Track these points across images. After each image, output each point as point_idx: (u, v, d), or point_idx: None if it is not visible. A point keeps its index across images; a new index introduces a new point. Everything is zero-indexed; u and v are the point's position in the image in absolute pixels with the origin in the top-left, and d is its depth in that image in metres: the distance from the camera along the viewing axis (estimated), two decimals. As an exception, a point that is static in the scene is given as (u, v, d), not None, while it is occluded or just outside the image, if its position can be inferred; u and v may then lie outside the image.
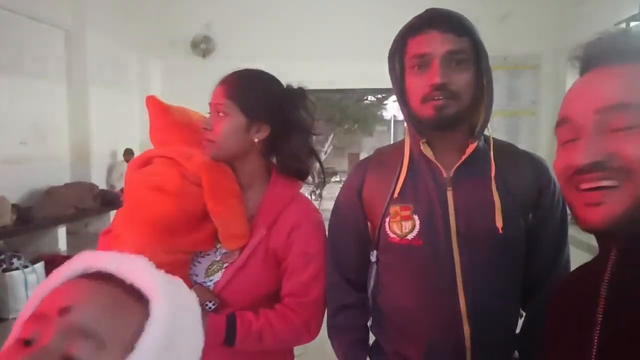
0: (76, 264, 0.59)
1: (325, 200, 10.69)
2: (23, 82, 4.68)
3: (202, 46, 6.16)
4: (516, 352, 1.12)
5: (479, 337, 1.02)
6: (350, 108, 18.49)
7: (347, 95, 16.53)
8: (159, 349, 0.53)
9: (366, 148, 24.34)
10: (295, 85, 1.24)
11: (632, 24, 4.38)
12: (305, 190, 1.32)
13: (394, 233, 1.07)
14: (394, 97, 1.11)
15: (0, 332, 3.43)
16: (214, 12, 6.11)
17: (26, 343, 0.51)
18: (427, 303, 1.05)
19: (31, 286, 3.67)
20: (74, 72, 5.43)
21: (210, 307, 1.15)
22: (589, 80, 0.64)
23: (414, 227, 1.05)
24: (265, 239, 1.17)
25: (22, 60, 4.67)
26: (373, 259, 1.16)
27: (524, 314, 1.13)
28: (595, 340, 0.61)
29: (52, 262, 3.91)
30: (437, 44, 1.00)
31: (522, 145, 1.15)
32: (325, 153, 18.05)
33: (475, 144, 1.05)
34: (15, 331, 0.53)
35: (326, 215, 1.23)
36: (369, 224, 1.17)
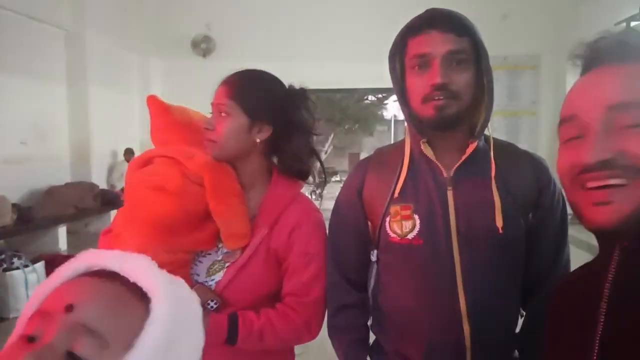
0: (79, 262, 0.60)
1: (326, 199, 10.69)
2: (23, 82, 4.68)
3: (203, 46, 6.16)
4: (516, 351, 1.12)
5: (479, 337, 1.02)
6: (351, 108, 18.51)
7: (348, 95, 16.53)
8: (158, 347, 0.54)
9: (366, 148, 24.34)
10: (296, 86, 1.24)
11: (632, 23, 4.38)
12: (305, 190, 1.32)
13: (394, 233, 1.08)
14: (394, 97, 1.11)
15: (0, 331, 3.43)
16: (214, 12, 6.11)
17: (30, 339, 0.51)
18: (427, 302, 1.05)
19: (32, 286, 3.67)
20: (74, 71, 5.43)
21: (212, 307, 1.15)
22: (595, 78, 0.63)
23: (414, 226, 1.06)
24: (266, 238, 1.17)
25: (22, 60, 4.67)
26: (373, 258, 1.16)
27: (524, 313, 1.13)
28: (597, 340, 0.61)
29: (53, 261, 3.92)
30: (437, 44, 1.00)
31: (523, 145, 1.15)
32: (326, 153, 18.06)
33: (475, 144, 1.05)
34: (19, 328, 0.54)
35: (327, 215, 1.23)
36: (369, 223, 1.17)
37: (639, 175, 0.57)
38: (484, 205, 1.03)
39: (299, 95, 1.22)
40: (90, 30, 5.50)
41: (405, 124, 1.13)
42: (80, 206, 4.92)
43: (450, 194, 1.05)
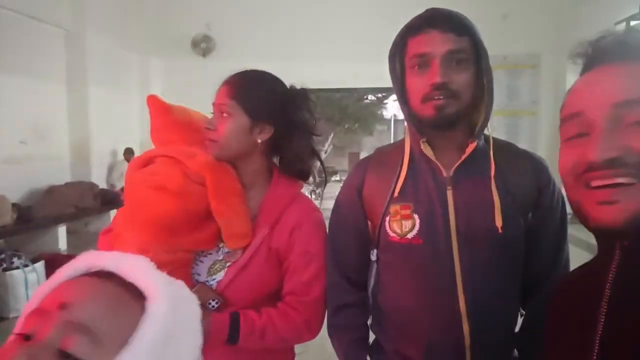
0: (79, 263, 0.60)
1: (326, 199, 10.70)
2: (23, 82, 4.68)
3: (203, 45, 6.16)
4: (515, 351, 1.12)
5: (479, 336, 1.03)
6: (351, 107, 18.48)
7: (347, 94, 16.51)
8: (155, 345, 0.54)
9: (366, 147, 24.34)
10: (297, 86, 1.24)
11: (632, 23, 4.38)
12: (305, 190, 1.33)
13: (394, 232, 1.08)
14: (394, 97, 1.12)
15: (0, 330, 3.43)
16: (214, 11, 6.11)
17: (26, 338, 0.51)
18: (427, 302, 1.05)
19: (31, 285, 3.67)
20: (74, 71, 5.43)
21: (213, 306, 1.15)
22: (599, 76, 0.63)
23: (414, 226, 1.06)
24: (267, 238, 1.18)
25: (22, 59, 4.66)
26: (373, 258, 1.16)
27: (524, 312, 1.13)
28: (597, 340, 0.61)
29: (53, 261, 3.92)
30: (437, 44, 1.00)
31: (522, 144, 1.15)
32: (326, 152, 18.05)
33: (475, 144, 1.05)
34: (17, 327, 0.54)
35: (326, 215, 1.23)
36: (369, 223, 1.17)
37: None
38: (483, 204, 1.03)
39: (300, 96, 1.23)
40: (90, 30, 5.49)
41: (405, 123, 1.13)
42: (80, 206, 4.91)
43: (449, 194, 1.05)
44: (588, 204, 0.60)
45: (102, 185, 5.68)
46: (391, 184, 1.10)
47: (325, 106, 16.06)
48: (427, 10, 1.05)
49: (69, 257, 0.62)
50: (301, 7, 5.95)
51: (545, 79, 5.65)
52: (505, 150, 1.11)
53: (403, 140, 1.16)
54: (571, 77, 0.69)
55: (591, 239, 0.67)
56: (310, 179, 1.30)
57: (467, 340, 1.02)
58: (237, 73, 1.20)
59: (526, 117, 5.75)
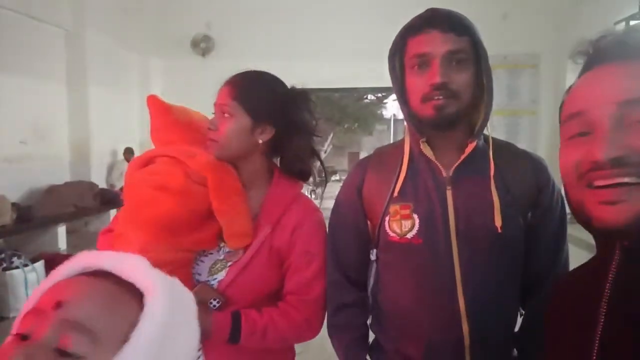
0: (75, 263, 0.60)
1: (325, 199, 10.70)
2: (23, 82, 4.68)
3: (202, 45, 6.16)
4: (515, 350, 1.12)
5: (479, 336, 1.03)
6: (350, 107, 18.48)
7: (347, 94, 16.51)
8: (153, 341, 0.54)
9: (366, 147, 24.35)
10: (297, 86, 1.25)
11: (632, 22, 4.39)
12: (304, 190, 1.33)
13: (394, 232, 1.08)
14: (393, 96, 1.12)
15: (0, 330, 3.43)
16: (214, 11, 6.11)
17: (23, 337, 0.52)
18: (427, 302, 1.05)
19: (31, 285, 3.67)
20: (74, 71, 5.42)
21: (214, 305, 1.15)
22: (602, 75, 0.62)
23: (413, 226, 1.06)
24: (269, 237, 1.18)
25: (22, 59, 4.66)
26: (373, 257, 1.16)
27: (524, 312, 1.13)
28: (597, 340, 0.61)
29: (53, 260, 3.91)
30: (437, 44, 1.00)
31: (522, 144, 1.15)
32: (325, 152, 18.07)
33: (474, 143, 1.05)
34: (14, 327, 0.54)
35: (326, 214, 1.24)
36: (368, 222, 1.17)
37: None
38: (483, 204, 1.04)
39: (301, 96, 1.23)
40: (90, 30, 5.49)
41: (405, 123, 1.13)
42: (79, 205, 4.91)
43: (449, 194, 1.05)
44: (590, 203, 0.60)
45: (102, 185, 5.68)
46: (391, 183, 1.10)
47: (325, 106, 16.07)
48: (427, 10, 1.05)
49: (68, 257, 0.62)
50: (301, 7, 5.95)
51: (545, 79, 5.66)
52: (505, 150, 1.11)
53: (403, 140, 1.16)
54: (571, 77, 0.68)
55: (591, 239, 0.67)
56: (310, 179, 1.30)
57: (467, 340, 1.03)
58: (239, 74, 1.21)
59: (526, 117, 5.75)
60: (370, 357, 1.21)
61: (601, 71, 0.62)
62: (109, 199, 5.30)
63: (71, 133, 5.50)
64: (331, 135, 18.93)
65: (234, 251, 1.19)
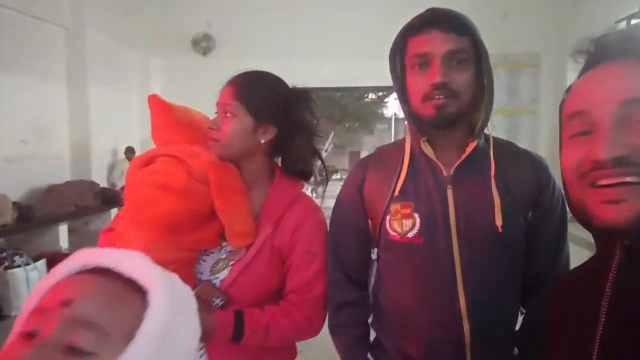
0: (75, 260, 0.61)
1: (326, 198, 10.69)
2: (23, 81, 4.68)
3: (203, 44, 6.16)
4: (516, 349, 1.13)
5: (479, 335, 1.03)
6: (351, 106, 18.48)
7: (348, 93, 16.51)
8: (159, 336, 0.55)
9: (367, 146, 24.32)
10: (298, 86, 1.25)
11: (633, 21, 4.38)
12: (305, 189, 1.33)
13: (395, 231, 1.08)
14: (394, 95, 1.12)
15: (2, 329, 3.44)
16: (214, 10, 6.11)
17: (29, 336, 0.52)
18: (427, 301, 1.06)
19: (33, 284, 3.68)
20: (74, 70, 5.42)
21: (217, 304, 1.16)
22: (604, 74, 0.62)
23: (414, 225, 1.06)
24: (270, 237, 1.19)
25: (22, 58, 4.66)
26: (374, 256, 1.17)
27: (524, 311, 1.13)
28: (597, 340, 0.61)
29: (54, 259, 3.92)
30: (437, 44, 1.00)
31: (522, 143, 1.15)
32: (326, 151, 18.05)
33: (475, 143, 1.05)
34: (18, 326, 0.55)
35: (327, 214, 1.24)
36: (369, 221, 1.17)
37: None
38: (483, 204, 1.04)
39: (303, 97, 1.24)
40: (90, 29, 5.49)
41: (406, 122, 1.13)
42: (80, 204, 4.91)
43: (450, 193, 1.05)
44: (592, 202, 0.59)
45: (103, 184, 5.68)
46: (392, 183, 1.11)
47: (326, 105, 16.08)
48: (427, 10, 1.05)
49: (69, 256, 0.62)
50: (301, 6, 5.95)
51: (545, 78, 5.65)
52: (505, 149, 1.11)
53: (403, 140, 1.16)
54: (571, 76, 0.69)
55: (592, 238, 0.67)
56: (312, 178, 1.31)
57: (467, 339, 1.03)
58: (241, 73, 1.21)
59: (526, 116, 5.75)
60: (371, 356, 1.21)
61: (603, 70, 0.62)
62: (109, 198, 5.30)
63: (72, 132, 5.50)
64: (332, 134, 18.92)
65: (235, 250, 1.19)
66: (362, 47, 5.36)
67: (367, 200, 1.16)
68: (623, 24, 4.46)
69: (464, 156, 1.05)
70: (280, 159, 1.29)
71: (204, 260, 1.21)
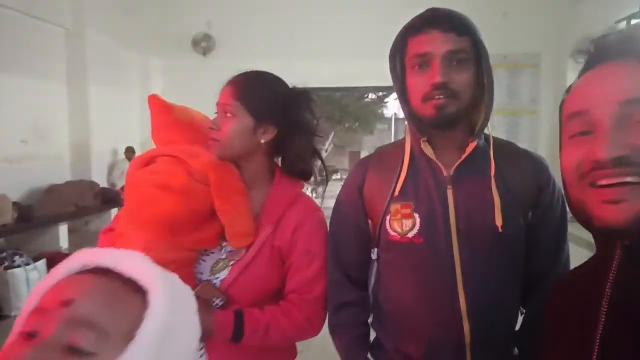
0: (74, 260, 0.61)
1: (326, 198, 10.69)
2: (23, 81, 4.68)
3: (203, 44, 6.16)
4: (516, 349, 1.13)
5: (479, 335, 1.03)
6: (351, 106, 18.48)
7: (348, 93, 16.51)
8: (159, 336, 0.55)
9: (367, 146, 24.32)
10: (298, 86, 1.25)
11: (633, 21, 4.38)
12: (305, 189, 1.33)
13: (395, 231, 1.08)
14: (394, 95, 1.12)
15: (2, 329, 3.44)
16: (214, 10, 6.11)
17: (29, 336, 0.52)
18: (427, 300, 1.06)
19: (33, 284, 3.68)
20: (74, 70, 5.43)
21: (217, 304, 1.16)
22: (604, 74, 0.62)
23: (414, 225, 1.06)
24: (270, 237, 1.19)
25: (22, 58, 4.66)
26: (374, 256, 1.17)
27: (524, 311, 1.13)
28: (597, 339, 0.61)
29: (54, 259, 3.92)
30: (437, 44, 1.00)
31: (523, 143, 1.15)
32: (326, 151, 18.05)
33: (475, 143, 1.05)
34: (18, 326, 0.55)
35: (327, 213, 1.24)
36: (369, 221, 1.17)
37: None
38: (483, 204, 1.04)
39: (303, 97, 1.24)
40: (90, 29, 5.49)
41: (406, 122, 1.13)
42: (80, 204, 4.91)
43: (450, 193, 1.05)
44: (592, 202, 0.59)
45: (103, 184, 5.68)
46: (392, 183, 1.11)
47: (326, 105, 16.08)
48: (427, 10, 1.05)
49: (69, 256, 0.62)
50: (301, 6, 5.95)
51: (546, 78, 5.66)
52: (505, 149, 1.11)
53: (403, 140, 1.16)
54: (571, 76, 0.69)
55: (592, 238, 0.67)
56: (312, 178, 1.31)
57: (467, 339, 1.03)
58: (241, 73, 1.21)
59: (526, 116, 5.75)
60: (372, 356, 1.21)
61: (603, 70, 0.62)
62: (109, 198, 5.30)
63: (71, 132, 5.50)
64: (332, 134, 18.92)
65: (235, 250, 1.19)
66: (362, 47, 5.36)
67: (367, 200, 1.16)
68: (623, 24, 4.46)
69: (464, 156, 1.05)
70: (280, 159, 1.29)
71: (203, 260, 1.21)
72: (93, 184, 5.25)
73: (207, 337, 1.11)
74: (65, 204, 4.74)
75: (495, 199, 1.03)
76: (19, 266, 3.71)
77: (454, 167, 1.06)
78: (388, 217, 1.09)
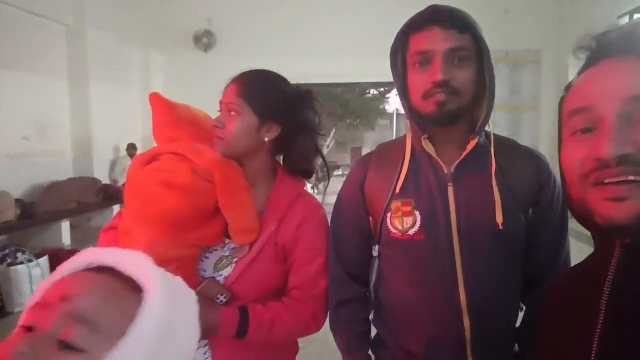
0: (80, 259, 0.62)
1: (328, 194, 10.69)
2: (25, 78, 4.69)
3: (204, 41, 6.16)
4: (516, 346, 1.13)
5: (480, 331, 1.03)
6: (352, 103, 18.45)
7: (349, 89, 16.49)
8: (154, 334, 0.56)
9: (369, 143, 24.32)
10: (299, 82, 1.25)
11: (636, 16, 4.37)
12: (306, 186, 1.34)
13: (396, 228, 1.08)
14: (396, 90, 1.12)
15: (6, 325, 3.46)
16: (215, 6, 6.11)
17: (29, 330, 0.53)
18: (428, 297, 1.06)
19: (36, 280, 3.70)
20: (75, 67, 5.44)
21: (222, 301, 1.16)
22: (608, 70, 0.60)
23: (415, 222, 1.06)
24: (274, 234, 1.19)
25: (23, 56, 4.67)
26: (375, 253, 1.17)
27: (525, 308, 1.13)
28: (596, 338, 0.61)
29: (57, 256, 3.94)
30: (439, 41, 1.00)
31: (524, 139, 1.15)
32: (328, 147, 18.05)
33: (476, 140, 1.05)
34: (21, 321, 0.56)
35: (329, 210, 1.25)
36: (371, 219, 1.18)
37: None
38: (484, 201, 1.04)
39: (307, 96, 1.24)
40: (91, 26, 5.50)
41: (407, 120, 1.13)
42: (82, 201, 4.93)
43: (451, 190, 1.05)
44: (595, 200, 0.59)
45: (105, 181, 5.70)
46: (393, 180, 1.11)
47: (327, 101, 16.05)
48: (429, 7, 1.04)
49: (72, 253, 0.64)
50: (303, 2, 5.94)
51: (547, 74, 5.65)
52: (506, 146, 1.11)
53: (405, 137, 1.16)
54: (573, 72, 0.67)
55: (593, 233, 0.67)
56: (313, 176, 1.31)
57: (468, 335, 1.03)
58: (245, 72, 1.21)
59: (528, 113, 5.74)
60: (373, 353, 1.22)
61: (607, 66, 0.61)
62: (111, 195, 5.32)
63: (73, 129, 5.52)
64: (334, 130, 18.90)
65: (239, 247, 1.19)
66: (364, 43, 5.35)
67: (368, 198, 1.16)
68: (626, 19, 4.44)
69: (465, 154, 1.05)
70: (282, 157, 1.29)
71: (207, 258, 1.22)
72: (95, 181, 5.27)
73: (212, 334, 1.12)
74: (67, 200, 4.76)
75: (496, 196, 1.03)
76: (21, 263, 3.73)
77: (455, 164, 1.06)
78: (389, 215, 1.10)
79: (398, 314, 1.13)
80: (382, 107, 21.29)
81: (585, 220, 0.62)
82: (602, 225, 0.59)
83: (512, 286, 1.09)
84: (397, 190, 1.09)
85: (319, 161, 1.31)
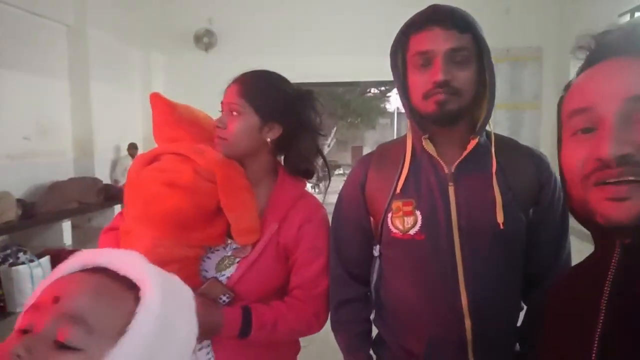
0: (75, 260, 0.63)
1: (328, 194, 10.71)
2: (26, 78, 4.69)
3: (205, 40, 6.15)
4: (517, 345, 1.13)
5: (480, 331, 1.03)
6: (353, 102, 18.44)
7: (350, 88, 16.47)
8: (151, 332, 0.56)
9: (369, 142, 24.31)
10: (298, 80, 1.25)
11: (637, 14, 4.36)
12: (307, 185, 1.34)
13: (396, 228, 1.08)
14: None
15: (7, 325, 3.46)
16: (216, 6, 6.10)
17: (25, 332, 0.54)
18: (429, 297, 1.06)
19: (37, 280, 3.69)
20: (76, 67, 5.43)
21: (224, 301, 1.16)
22: (608, 70, 0.60)
23: (415, 222, 1.06)
24: (275, 234, 1.19)
25: (24, 56, 4.67)
26: (376, 253, 1.17)
27: (525, 307, 1.13)
28: (597, 338, 0.61)
29: (58, 256, 3.93)
30: (439, 41, 1.00)
31: (525, 138, 1.15)
32: (329, 146, 18.04)
33: (476, 140, 1.05)
34: (17, 322, 0.57)
35: (329, 209, 1.25)
36: (371, 218, 1.18)
37: None
38: (485, 201, 1.04)
39: (308, 96, 1.24)
40: (92, 26, 5.49)
41: (407, 119, 1.13)
42: (83, 201, 4.93)
43: (451, 190, 1.05)
44: (595, 200, 0.59)
45: (106, 180, 5.69)
46: (393, 180, 1.11)
47: (328, 100, 16.04)
48: (429, 7, 1.04)
49: (73, 252, 0.64)
50: (303, 2, 5.94)
51: (548, 72, 5.64)
52: (507, 146, 1.11)
53: (405, 137, 1.16)
54: (575, 71, 0.67)
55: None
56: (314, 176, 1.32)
57: (469, 335, 1.03)
58: (247, 72, 1.22)
59: (529, 111, 5.73)
60: (374, 352, 1.22)
61: (607, 66, 0.61)
62: (112, 194, 5.31)
63: (74, 129, 5.52)
64: (334, 130, 18.90)
65: (241, 248, 1.20)
66: (364, 42, 5.35)
67: (368, 198, 1.16)
68: (627, 17, 4.43)
69: (465, 153, 1.05)
70: (282, 157, 1.29)
71: (208, 258, 1.22)
72: (96, 181, 5.27)
73: (215, 334, 1.12)
74: (68, 200, 4.76)
75: (497, 196, 1.03)
76: (23, 263, 3.73)
77: (456, 164, 1.06)
78: (390, 214, 1.10)
79: (399, 314, 1.13)
80: (382, 105, 21.28)
81: (586, 220, 0.62)
82: (602, 225, 0.59)
83: (513, 286, 1.09)
84: (398, 190, 1.09)
85: (320, 161, 1.31)
